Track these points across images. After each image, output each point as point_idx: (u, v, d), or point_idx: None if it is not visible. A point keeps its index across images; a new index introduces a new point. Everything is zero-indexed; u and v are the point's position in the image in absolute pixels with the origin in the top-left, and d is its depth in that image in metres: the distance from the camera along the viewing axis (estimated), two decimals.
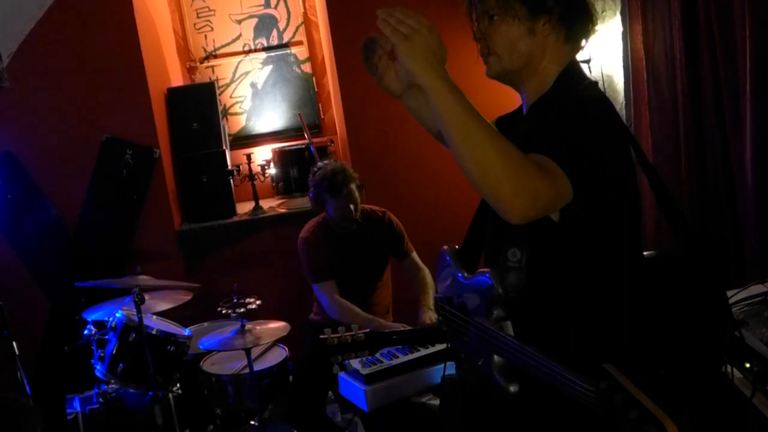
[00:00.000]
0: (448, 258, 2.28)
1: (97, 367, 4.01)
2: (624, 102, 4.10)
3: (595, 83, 2.02)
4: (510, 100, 2.16)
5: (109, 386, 4.10)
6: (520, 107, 2.13)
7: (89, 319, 4.15)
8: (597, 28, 2.06)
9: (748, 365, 2.32)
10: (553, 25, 1.96)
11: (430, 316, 4.16)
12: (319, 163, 4.41)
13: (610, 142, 1.84)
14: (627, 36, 3.97)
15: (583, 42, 2.03)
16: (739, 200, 3.17)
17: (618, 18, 4.06)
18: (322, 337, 2.75)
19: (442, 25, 1.79)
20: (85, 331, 4.13)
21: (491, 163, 1.65)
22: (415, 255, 4.48)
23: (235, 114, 5.97)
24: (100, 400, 4.10)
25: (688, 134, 3.45)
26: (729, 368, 2.02)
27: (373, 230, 4.41)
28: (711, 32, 3.18)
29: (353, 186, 4.22)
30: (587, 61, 4.10)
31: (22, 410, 3.51)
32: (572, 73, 2.00)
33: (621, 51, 4.05)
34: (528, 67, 1.99)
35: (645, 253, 2.04)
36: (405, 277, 4.54)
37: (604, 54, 4.17)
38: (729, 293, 2.60)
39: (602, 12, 4.15)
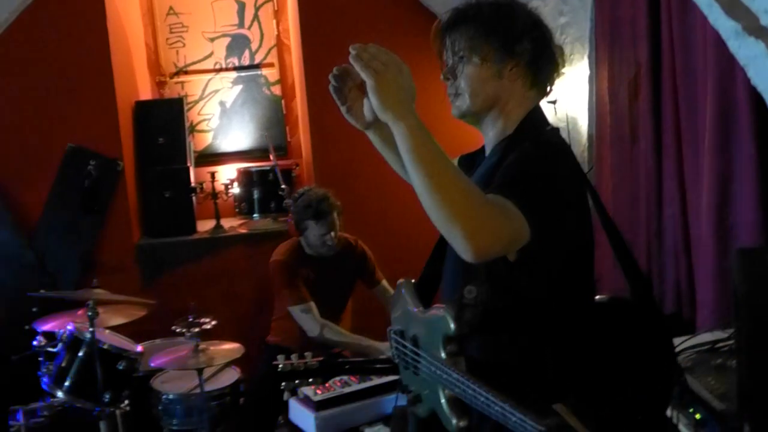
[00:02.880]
0: (403, 291, 2.30)
1: (44, 380, 3.95)
2: (587, 144, 4.17)
3: (557, 129, 2.06)
4: (474, 139, 2.19)
5: (55, 400, 4.04)
6: (483, 147, 2.17)
7: (39, 330, 4.09)
8: (564, 70, 2.11)
9: (692, 411, 2.36)
10: (521, 71, 2.01)
11: None
12: (301, 189, 4.46)
13: (567, 187, 1.88)
14: (593, 80, 4.04)
15: (548, 88, 2.08)
16: (694, 249, 3.23)
17: (585, 61, 4.13)
18: (275, 363, 2.74)
19: (411, 62, 1.82)
20: (34, 342, 4.08)
21: (452, 202, 1.68)
22: (386, 282, 4.52)
23: (202, 131, 5.97)
24: (45, 413, 4.02)
25: (648, 179, 3.51)
26: (674, 414, 2.05)
27: (345, 257, 4.45)
28: (674, 83, 3.25)
29: (336, 214, 4.25)
30: (554, 102, 4.16)
31: None
32: (535, 118, 2.04)
33: (587, 94, 4.12)
34: (493, 109, 2.03)
35: (597, 297, 2.07)
36: (368, 304, 4.55)
37: (570, 96, 4.23)
38: (678, 340, 2.66)
39: (570, 54, 4.22)
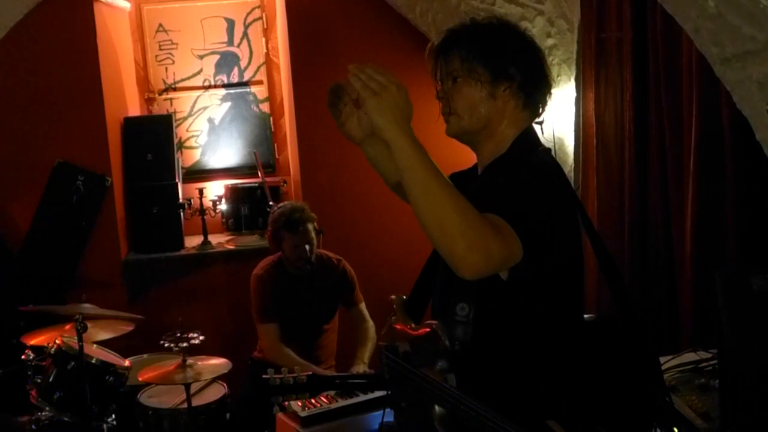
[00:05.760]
0: (395, 307, 2.32)
1: (32, 394, 3.95)
2: (573, 165, 4.21)
3: (549, 150, 2.10)
4: (467, 157, 2.23)
5: (43, 413, 4.03)
6: (475, 166, 2.20)
7: (27, 344, 4.09)
8: (552, 91, 2.16)
9: (676, 430, 2.40)
10: (513, 92, 2.05)
11: (360, 369, 4.22)
12: (280, 204, 4.49)
13: (559, 207, 1.92)
14: (580, 102, 4.08)
15: (540, 109, 2.13)
16: (677, 269, 3.27)
17: (572, 83, 4.18)
18: (264, 377, 2.76)
19: (406, 82, 1.86)
20: (22, 356, 4.07)
21: (448, 219, 1.72)
22: (363, 306, 4.53)
23: (191, 148, 5.98)
24: (33, 427, 4.03)
25: (632, 201, 3.56)
26: None
27: (326, 275, 4.45)
28: (659, 108, 3.30)
29: (310, 226, 4.26)
30: (540, 123, 4.21)
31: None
32: (528, 138, 2.09)
33: (573, 116, 4.17)
34: (486, 129, 2.07)
35: (585, 315, 2.11)
36: (355, 325, 4.57)
37: (557, 117, 4.28)
38: (663, 360, 2.70)
39: (557, 76, 4.28)
